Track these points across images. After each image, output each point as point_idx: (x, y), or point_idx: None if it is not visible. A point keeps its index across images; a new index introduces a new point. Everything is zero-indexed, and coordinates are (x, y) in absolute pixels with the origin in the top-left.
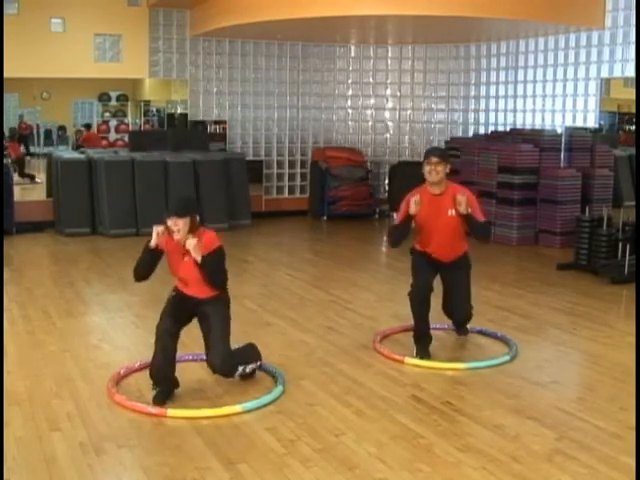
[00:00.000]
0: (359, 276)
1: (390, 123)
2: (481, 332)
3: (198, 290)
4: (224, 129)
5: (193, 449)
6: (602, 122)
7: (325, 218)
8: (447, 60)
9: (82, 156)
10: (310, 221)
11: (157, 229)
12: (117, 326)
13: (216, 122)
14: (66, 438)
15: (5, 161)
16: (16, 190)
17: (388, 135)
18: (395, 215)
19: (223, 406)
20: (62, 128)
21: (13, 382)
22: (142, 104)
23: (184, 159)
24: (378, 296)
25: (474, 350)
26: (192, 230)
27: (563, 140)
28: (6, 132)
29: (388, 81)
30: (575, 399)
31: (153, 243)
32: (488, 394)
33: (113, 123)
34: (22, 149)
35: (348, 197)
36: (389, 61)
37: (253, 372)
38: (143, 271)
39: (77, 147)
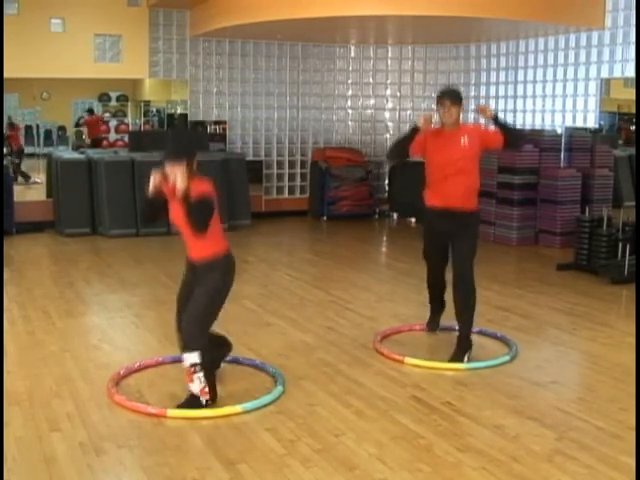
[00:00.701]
0: (359, 276)
1: (390, 123)
2: (481, 332)
3: (192, 244)
4: (224, 129)
5: (193, 449)
6: (602, 122)
7: (325, 218)
8: (447, 60)
9: (82, 156)
10: (310, 221)
11: (155, 175)
12: (117, 326)
13: (216, 122)
14: (66, 438)
15: (6, 157)
16: (16, 190)
17: (388, 135)
18: (395, 215)
19: (223, 406)
20: (62, 128)
21: (13, 382)
22: (142, 104)
23: None
24: (378, 296)
25: (474, 350)
26: (189, 176)
27: (563, 140)
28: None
29: (388, 81)
30: (575, 399)
31: (151, 189)
32: (488, 394)
33: (113, 123)
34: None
35: (348, 197)
36: (389, 61)
37: (196, 401)
38: (150, 213)
39: (77, 147)
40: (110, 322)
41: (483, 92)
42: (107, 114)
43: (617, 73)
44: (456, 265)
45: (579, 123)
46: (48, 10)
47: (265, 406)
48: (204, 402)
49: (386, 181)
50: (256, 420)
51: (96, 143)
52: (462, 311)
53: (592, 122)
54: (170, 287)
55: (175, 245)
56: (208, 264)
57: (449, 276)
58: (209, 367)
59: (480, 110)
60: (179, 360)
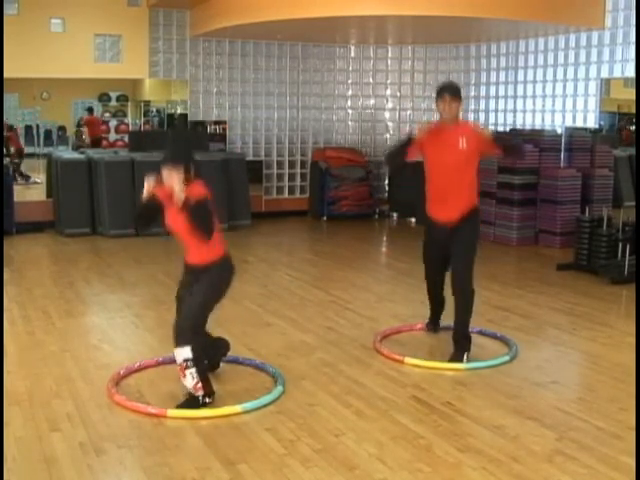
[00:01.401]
0: (359, 276)
1: (390, 123)
2: (481, 332)
3: (191, 250)
4: (224, 129)
5: (193, 449)
6: (602, 122)
7: (325, 218)
8: (447, 60)
9: (82, 156)
10: (310, 221)
11: (148, 181)
12: (117, 326)
13: (216, 122)
14: (66, 438)
15: (5, 161)
16: (16, 190)
17: (388, 135)
18: (395, 215)
19: (223, 406)
20: (62, 128)
21: (13, 382)
22: (142, 104)
23: None
24: (378, 296)
25: (474, 350)
26: (187, 182)
27: (563, 140)
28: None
29: (388, 81)
30: (575, 399)
31: (145, 195)
32: (488, 394)
33: (113, 123)
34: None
35: (348, 197)
36: (389, 61)
37: (195, 401)
38: (143, 219)
39: (77, 147)
40: (110, 322)
41: (483, 92)
42: (107, 114)
43: (617, 73)
44: (455, 268)
45: (579, 123)
46: (48, 10)
47: (265, 406)
48: (201, 401)
49: (386, 181)
50: (256, 420)
51: (96, 143)
52: (460, 313)
53: (592, 122)
54: (170, 287)
55: (175, 245)
56: (207, 266)
57: (447, 276)
58: (201, 363)
59: (477, 132)
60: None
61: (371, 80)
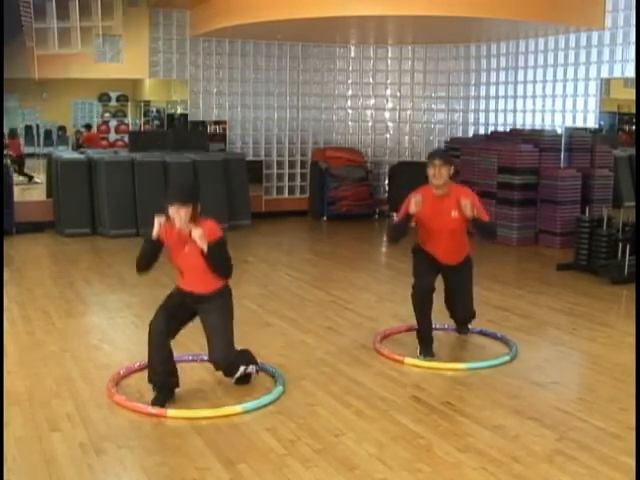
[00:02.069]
0: (359, 276)
1: (390, 123)
2: (481, 332)
3: (198, 282)
4: (224, 129)
5: (193, 449)
6: (602, 122)
7: (325, 218)
8: (447, 60)
9: (82, 156)
10: (310, 221)
11: (159, 219)
12: (117, 326)
13: (216, 122)
14: (66, 438)
15: (5, 161)
16: (16, 190)
17: (388, 135)
18: (395, 215)
19: (223, 406)
20: (62, 128)
21: (13, 382)
22: (142, 104)
23: (184, 159)
24: (378, 296)
25: (474, 350)
26: (193, 219)
27: (563, 140)
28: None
29: (388, 81)
30: (575, 399)
31: (155, 234)
32: (488, 394)
33: (113, 123)
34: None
35: (348, 197)
36: (389, 61)
37: (250, 376)
38: (145, 263)
39: (78, 147)
40: (110, 322)
41: (483, 92)
42: (107, 114)
43: (617, 73)
44: (461, 300)
45: (579, 123)
46: None
47: (265, 406)
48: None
49: (386, 181)
50: (256, 420)
51: None
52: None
53: (592, 122)
54: (170, 287)
55: None
56: (218, 293)
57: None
58: (253, 359)
59: (463, 207)
60: (178, 360)
61: (371, 80)
